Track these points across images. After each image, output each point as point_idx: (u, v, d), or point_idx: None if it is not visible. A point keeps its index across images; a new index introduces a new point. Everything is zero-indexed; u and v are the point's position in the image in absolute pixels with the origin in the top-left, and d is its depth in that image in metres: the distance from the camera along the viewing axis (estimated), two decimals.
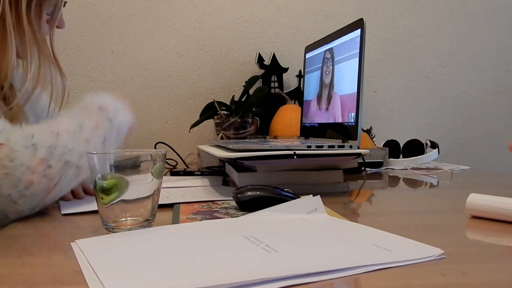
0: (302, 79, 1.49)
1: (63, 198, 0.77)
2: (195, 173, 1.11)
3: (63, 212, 0.67)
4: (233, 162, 0.83)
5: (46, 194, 0.64)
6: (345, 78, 0.93)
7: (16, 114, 0.79)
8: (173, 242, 0.50)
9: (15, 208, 0.63)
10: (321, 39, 1.09)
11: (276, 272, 0.37)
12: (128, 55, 1.57)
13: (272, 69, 1.53)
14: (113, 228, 0.54)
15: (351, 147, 0.83)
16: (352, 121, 0.87)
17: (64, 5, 0.86)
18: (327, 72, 1.01)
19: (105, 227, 0.55)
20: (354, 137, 0.85)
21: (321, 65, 1.07)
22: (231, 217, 0.62)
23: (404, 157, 1.36)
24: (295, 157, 0.77)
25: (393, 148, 1.34)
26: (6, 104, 0.78)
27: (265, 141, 1.09)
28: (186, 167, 1.29)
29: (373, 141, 1.41)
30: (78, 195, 0.79)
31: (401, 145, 1.38)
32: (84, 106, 0.75)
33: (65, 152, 0.65)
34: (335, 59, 0.99)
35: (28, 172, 0.62)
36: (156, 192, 0.56)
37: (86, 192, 0.80)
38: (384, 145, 1.36)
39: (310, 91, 1.14)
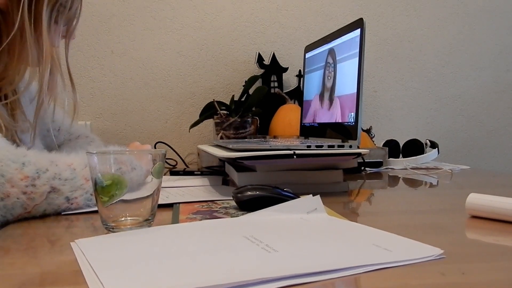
0: (302, 79, 1.49)
1: None
2: (195, 172, 1.11)
3: (63, 212, 0.67)
4: (233, 162, 0.83)
5: (22, 211, 0.62)
6: (345, 78, 0.93)
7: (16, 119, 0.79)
8: (173, 242, 0.50)
9: None
10: (321, 38, 1.09)
11: (276, 272, 0.37)
12: (128, 55, 1.57)
13: (272, 68, 1.53)
14: (113, 228, 0.54)
15: (350, 147, 0.83)
16: (352, 121, 0.87)
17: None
18: (329, 77, 1.01)
19: (105, 227, 0.55)
20: (354, 137, 0.85)
21: (323, 66, 1.07)
22: (231, 216, 0.62)
23: (403, 156, 1.36)
24: (294, 156, 0.77)
25: (392, 148, 1.34)
26: (8, 110, 0.78)
27: (265, 140, 1.09)
28: (186, 167, 1.29)
29: (373, 141, 1.42)
30: None
31: (401, 145, 1.38)
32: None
33: (55, 178, 0.63)
34: (336, 60, 0.99)
35: (7, 184, 0.60)
36: (156, 192, 0.56)
37: None
38: (384, 144, 1.36)
39: (310, 91, 1.14)
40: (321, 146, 0.82)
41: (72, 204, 0.65)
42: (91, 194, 0.66)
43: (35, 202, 0.62)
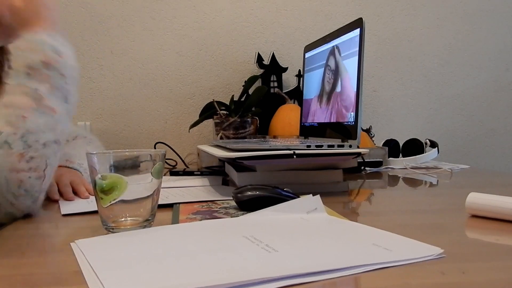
0: (301, 78, 1.49)
1: (66, 198, 0.78)
2: (195, 173, 1.11)
3: (63, 212, 0.67)
4: (233, 162, 0.83)
5: (41, 182, 0.63)
6: (345, 78, 0.93)
7: None
8: (173, 242, 0.50)
9: (16, 207, 0.63)
10: (320, 38, 1.09)
11: (276, 272, 0.37)
12: (127, 55, 1.57)
13: (272, 68, 1.53)
14: (112, 228, 0.54)
15: (350, 146, 0.83)
16: (352, 120, 0.87)
17: None
18: (329, 78, 1.01)
19: (104, 227, 0.55)
20: (354, 137, 0.85)
21: (323, 66, 1.07)
22: (231, 217, 0.62)
23: (403, 156, 1.36)
24: (294, 156, 0.77)
25: (392, 148, 1.34)
26: None
27: (264, 140, 1.09)
28: (185, 167, 1.29)
29: (373, 141, 1.42)
30: (82, 194, 0.79)
31: (401, 144, 1.38)
32: (28, 66, 0.65)
33: (39, 136, 0.62)
34: (336, 60, 0.99)
35: (13, 173, 0.60)
36: (156, 192, 0.56)
37: (89, 192, 0.81)
38: (384, 144, 1.36)
39: (310, 90, 1.14)
40: (321, 146, 0.82)
41: (60, 143, 0.66)
42: (62, 122, 0.67)
43: (43, 168, 0.63)
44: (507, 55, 1.73)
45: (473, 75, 1.72)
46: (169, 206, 0.71)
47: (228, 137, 1.33)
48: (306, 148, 0.80)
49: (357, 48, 0.87)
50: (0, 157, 0.60)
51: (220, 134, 1.33)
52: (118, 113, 1.57)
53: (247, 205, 0.66)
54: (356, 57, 0.86)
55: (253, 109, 1.40)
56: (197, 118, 1.42)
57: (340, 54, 0.96)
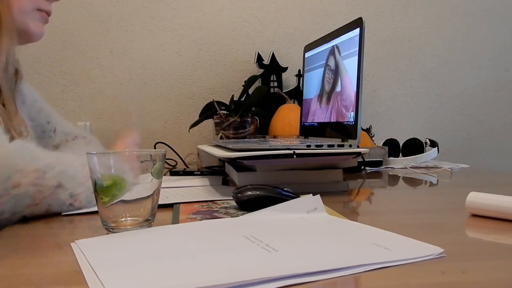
0: (301, 78, 1.49)
1: None
2: (195, 173, 1.11)
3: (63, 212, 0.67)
4: (233, 161, 0.83)
5: (31, 202, 0.62)
6: (345, 77, 0.93)
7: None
8: (173, 242, 0.50)
9: None
10: (320, 38, 1.09)
11: (276, 272, 0.37)
12: (127, 55, 1.57)
13: (271, 68, 1.53)
14: (113, 228, 0.54)
15: (350, 146, 0.83)
16: (352, 120, 0.87)
17: None
18: (329, 77, 1.01)
19: (105, 227, 0.55)
20: (354, 136, 0.85)
21: (323, 65, 1.07)
22: (231, 216, 0.62)
23: (403, 156, 1.36)
24: (294, 156, 0.77)
25: (392, 147, 1.34)
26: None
27: (264, 140, 1.09)
28: (185, 167, 1.29)
29: (373, 140, 1.42)
30: None
31: (401, 144, 1.38)
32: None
33: (61, 174, 0.64)
34: (336, 60, 0.99)
35: (19, 174, 0.60)
36: (156, 192, 0.56)
37: None
38: (384, 144, 1.36)
39: (310, 90, 1.14)
40: (321, 146, 0.82)
41: (75, 200, 0.66)
42: (91, 193, 0.67)
43: (43, 194, 0.62)
44: (507, 55, 1.73)
45: (473, 75, 1.72)
46: (169, 206, 0.71)
47: (228, 137, 1.33)
48: (306, 147, 0.80)
49: (357, 48, 0.87)
50: (18, 159, 0.61)
51: (220, 134, 1.33)
52: (118, 113, 1.57)
53: (247, 205, 0.66)
54: (356, 57, 0.86)
55: (253, 109, 1.40)
56: (197, 118, 1.42)
57: (340, 54, 0.96)
